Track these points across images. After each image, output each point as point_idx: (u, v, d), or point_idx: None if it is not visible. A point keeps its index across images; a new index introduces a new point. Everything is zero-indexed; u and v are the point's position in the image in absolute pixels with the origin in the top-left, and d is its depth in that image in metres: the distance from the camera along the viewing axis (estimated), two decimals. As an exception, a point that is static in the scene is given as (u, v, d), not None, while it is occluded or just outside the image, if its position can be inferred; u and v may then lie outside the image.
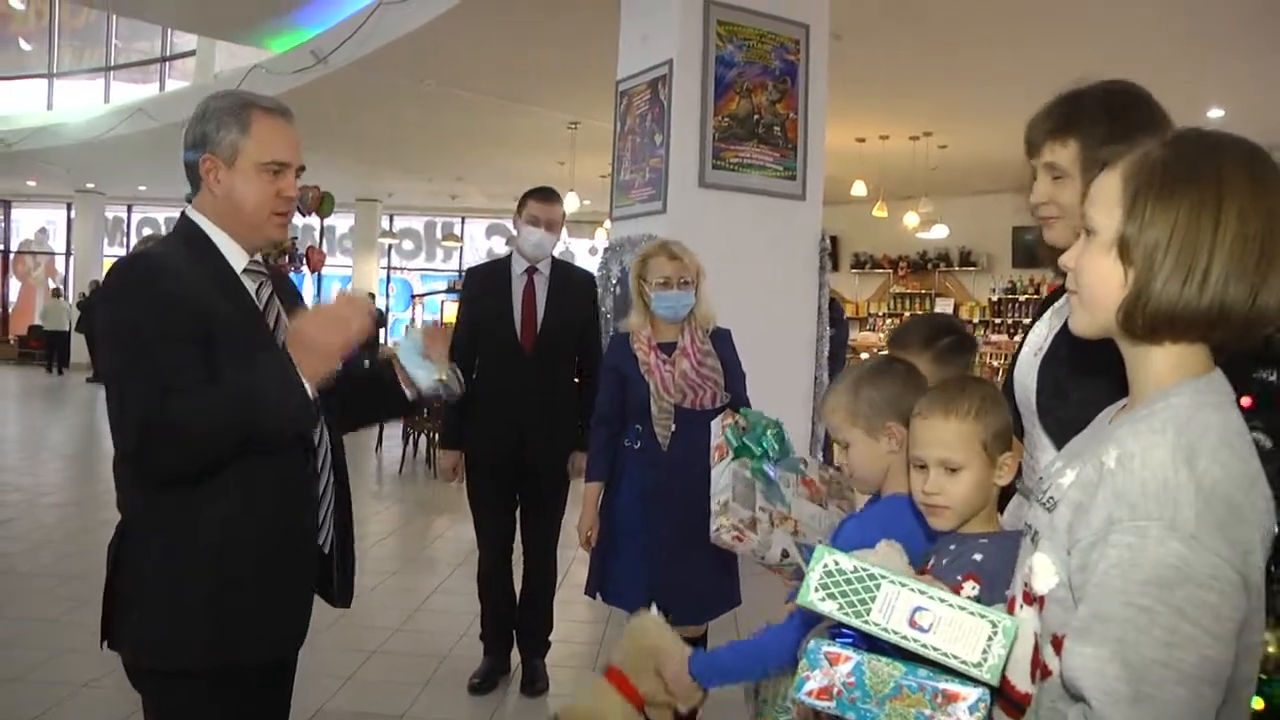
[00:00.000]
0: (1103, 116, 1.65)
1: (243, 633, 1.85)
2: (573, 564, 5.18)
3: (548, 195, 4.07)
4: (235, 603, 1.84)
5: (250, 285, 1.96)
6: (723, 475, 2.41)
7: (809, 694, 1.20)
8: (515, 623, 4.10)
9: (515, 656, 4.13)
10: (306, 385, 1.78)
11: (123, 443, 1.77)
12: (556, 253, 4.18)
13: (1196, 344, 1.18)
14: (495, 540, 4.05)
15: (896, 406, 1.83)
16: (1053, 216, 1.71)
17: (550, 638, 4.13)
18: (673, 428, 3.19)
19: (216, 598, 1.82)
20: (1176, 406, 1.14)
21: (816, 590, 1.20)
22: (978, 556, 1.51)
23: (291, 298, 2.13)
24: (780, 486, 2.40)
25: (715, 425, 2.51)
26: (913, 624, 1.15)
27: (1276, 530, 1.18)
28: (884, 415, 1.85)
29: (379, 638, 4.54)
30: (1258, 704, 2.41)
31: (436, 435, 8.13)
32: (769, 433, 2.46)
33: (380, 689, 3.98)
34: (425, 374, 2.08)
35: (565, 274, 4.16)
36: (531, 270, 4.03)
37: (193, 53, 16.28)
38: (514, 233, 4.13)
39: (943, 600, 1.16)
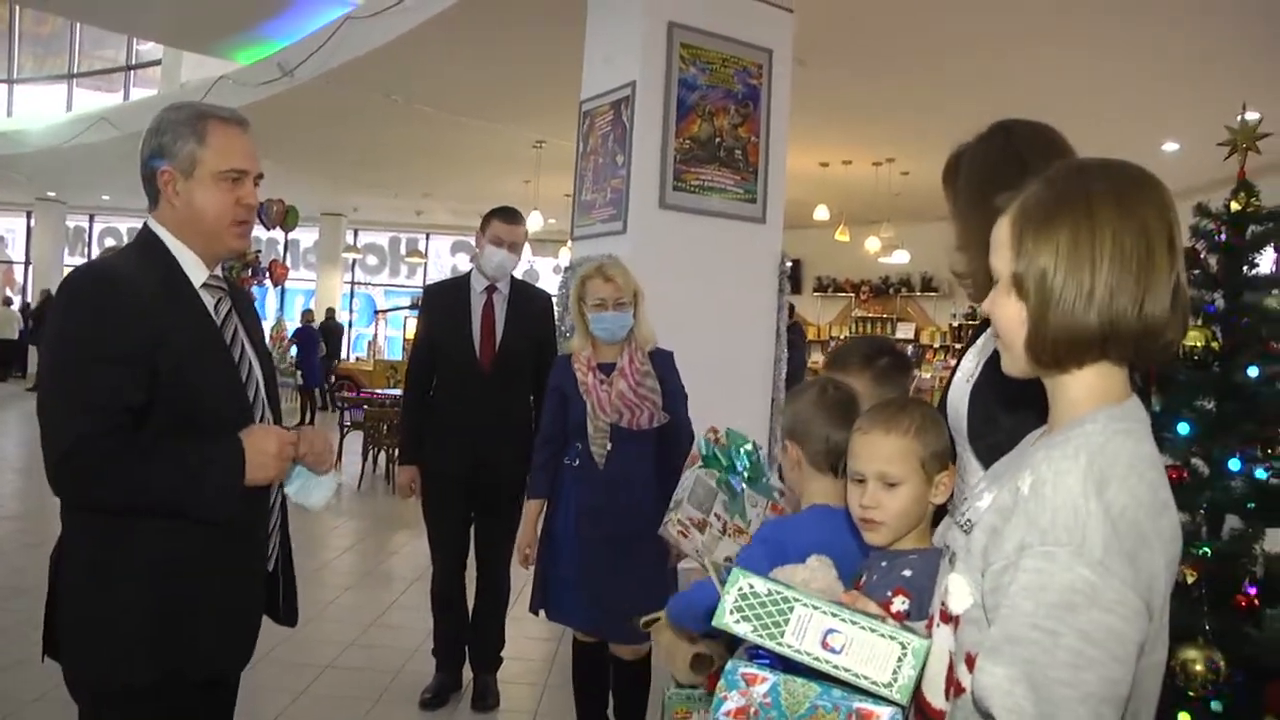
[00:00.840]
0: (959, 178, 1.82)
1: (184, 649, 1.84)
2: (527, 582, 5.17)
3: (512, 216, 4.10)
4: (176, 618, 1.82)
5: (209, 300, 1.95)
6: (687, 479, 2.55)
7: (726, 714, 1.23)
8: (468, 639, 4.11)
9: (468, 672, 4.14)
10: (243, 482, 1.80)
11: (45, 457, 1.76)
12: (520, 271, 4.21)
13: (1105, 367, 1.23)
14: (449, 556, 4.05)
15: (800, 426, 1.95)
16: None
17: (502, 654, 4.14)
18: (609, 446, 3.22)
19: (155, 613, 1.80)
20: (1090, 434, 1.19)
21: (731, 613, 1.23)
22: (907, 572, 1.56)
23: (250, 314, 2.13)
24: (745, 504, 2.50)
25: (699, 435, 2.66)
26: (825, 646, 1.18)
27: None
28: (786, 432, 1.98)
29: (333, 653, 4.52)
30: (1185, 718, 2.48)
31: (396, 451, 8.10)
32: (744, 452, 2.55)
33: (332, 704, 3.97)
34: (320, 496, 2.06)
35: (524, 293, 4.19)
36: (491, 289, 4.05)
37: (158, 62, 16.16)
38: (476, 250, 4.16)
39: (854, 622, 1.19)
